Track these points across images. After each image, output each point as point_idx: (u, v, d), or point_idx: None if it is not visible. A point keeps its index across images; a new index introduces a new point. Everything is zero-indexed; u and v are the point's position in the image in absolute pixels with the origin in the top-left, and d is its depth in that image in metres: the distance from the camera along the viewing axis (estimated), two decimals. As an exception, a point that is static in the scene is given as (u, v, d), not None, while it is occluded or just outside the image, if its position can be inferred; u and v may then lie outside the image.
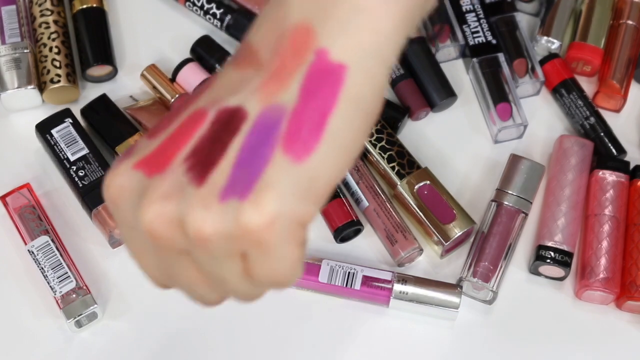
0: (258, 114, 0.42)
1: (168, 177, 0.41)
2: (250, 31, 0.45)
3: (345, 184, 0.69)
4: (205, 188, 0.41)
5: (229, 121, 0.42)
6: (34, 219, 0.67)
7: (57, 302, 0.64)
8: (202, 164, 0.41)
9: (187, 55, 0.75)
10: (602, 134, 0.72)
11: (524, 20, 0.77)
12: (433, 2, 0.46)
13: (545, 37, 0.75)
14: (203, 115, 0.43)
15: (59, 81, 0.71)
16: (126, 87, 0.74)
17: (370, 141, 0.69)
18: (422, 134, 0.73)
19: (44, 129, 0.69)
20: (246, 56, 0.44)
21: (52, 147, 0.69)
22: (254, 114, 0.42)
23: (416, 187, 0.68)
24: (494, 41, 0.74)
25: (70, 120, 0.69)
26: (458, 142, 0.73)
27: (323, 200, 0.42)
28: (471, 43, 0.74)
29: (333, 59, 0.42)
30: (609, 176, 0.69)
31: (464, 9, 0.75)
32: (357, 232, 0.69)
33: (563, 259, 0.66)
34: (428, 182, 0.68)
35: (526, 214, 0.68)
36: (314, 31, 0.42)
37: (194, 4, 0.75)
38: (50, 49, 0.72)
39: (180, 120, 0.43)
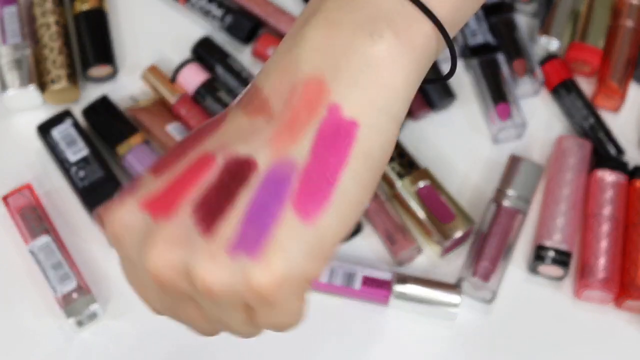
0: (268, 166, 0.42)
1: (174, 223, 0.41)
2: (259, 75, 0.45)
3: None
4: (213, 240, 0.41)
5: (238, 171, 0.42)
6: (34, 219, 0.67)
7: (57, 301, 0.64)
8: (210, 213, 0.41)
9: (188, 55, 0.75)
10: (601, 134, 0.72)
11: (523, 20, 0.77)
12: (442, 50, 0.46)
13: (544, 38, 0.75)
14: (211, 161, 0.42)
15: (59, 82, 0.71)
16: (127, 87, 0.74)
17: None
18: (422, 134, 0.73)
19: (44, 129, 0.69)
20: (256, 103, 0.44)
21: (52, 148, 0.69)
22: (265, 166, 0.42)
23: (416, 187, 0.68)
24: (493, 41, 0.74)
25: (71, 121, 0.70)
26: (458, 142, 0.73)
27: (331, 255, 0.42)
28: (471, 43, 0.74)
29: (345, 115, 0.42)
30: (608, 176, 0.69)
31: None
32: (357, 231, 0.69)
33: (562, 258, 0.66)
34: (428, 182, 0.68)
35: (525, 214, 0.69)
36: (326, 85, 0.42)
37: (195, 5, 0.76)
38: (51, 50, 0.72)
39: (186, 162, 0.43)
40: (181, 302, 0.43)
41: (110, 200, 0.44)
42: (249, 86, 0.45)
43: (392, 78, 0.43)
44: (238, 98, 0.45)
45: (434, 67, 0.74)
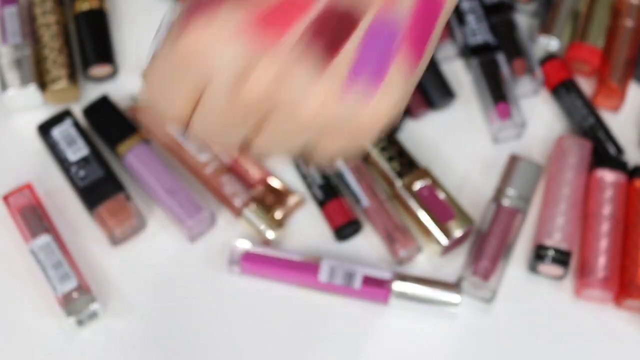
0: (374, 18, 0.42)
1: (283, 50, 0.40)
2: None
3: (345, 183, 0.69)
4: (328, 73, 0.41)
5: (342, 15, 0.41)
6: (35, 218, 0.67)
7: (58, 301, 0.64)
8: (321, 45, 0.40)
9: (188, 55, 0.75)
10: (601, 134, 0.72)
11: (523, 20, 0.77)
12: None
13: (544, 38, 0.75)
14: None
15: (60, 81, 0.71)
16: (127, 87, 0.74)
17: (370, 141, 0.70)
18: (422, 134, 0.73)
19: (44, 129, 0.70)
20: None
21: (52, 148, 0.69)
22: (370, 16, 0.41)
23: (416, 187, 0.68)
24: (493, 41, 0.74)
25: (71, 121, 0.70)
26: (458, 142, 0.73)
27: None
28: (471, 43, 0.74)
29: None
30: (608, 176, 0.69)
31: (463, 8, 0.75)
32: (357, 231, 0.69)
33: (562, 258, 0.66)
34: (428, 181, 0.68)
35: (525, 214, 0.69)
36: None
37: (195, 5, 0.76)
38: (52, 50, 0.72)
39: None
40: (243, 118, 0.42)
41: (178, 25, 0.41)
42: None
43: None
44: None
45: (435, 68, 0.74)
